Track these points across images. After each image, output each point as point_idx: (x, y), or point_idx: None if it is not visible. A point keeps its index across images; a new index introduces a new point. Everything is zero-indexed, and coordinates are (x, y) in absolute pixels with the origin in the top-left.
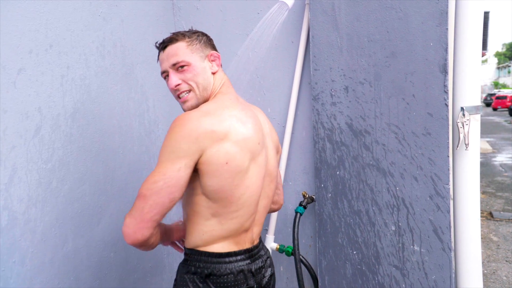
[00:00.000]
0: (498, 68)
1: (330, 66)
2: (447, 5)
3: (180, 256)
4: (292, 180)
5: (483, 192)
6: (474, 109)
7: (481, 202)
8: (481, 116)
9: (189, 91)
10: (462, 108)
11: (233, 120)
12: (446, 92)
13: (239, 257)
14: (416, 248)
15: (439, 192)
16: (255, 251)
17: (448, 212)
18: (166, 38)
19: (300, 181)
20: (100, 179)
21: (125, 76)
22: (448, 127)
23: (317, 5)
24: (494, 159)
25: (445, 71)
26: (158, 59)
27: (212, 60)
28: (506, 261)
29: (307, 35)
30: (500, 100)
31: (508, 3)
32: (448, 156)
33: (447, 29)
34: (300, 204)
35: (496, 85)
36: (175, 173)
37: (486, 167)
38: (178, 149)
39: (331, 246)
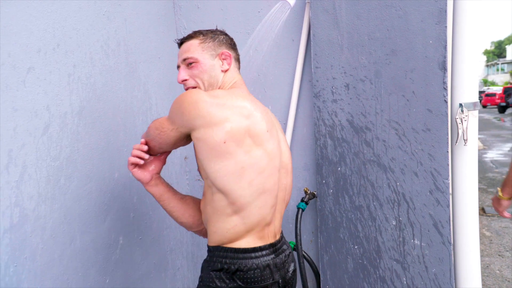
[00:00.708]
0: (487, 66)
1: (331, 64)
2: (446, 3)
3: (183, 253)
4: (294, 177)
5: None
6: (472, 105)
7: None
8: None
9: (195, 87)
10: (460, 105)
11: (237, 108)
12: (445, 89)
13: (264, 252)
14: (416, 242)
15: (438, 187)
16: (278, 246)
17: (448, 206)
18: (184, 37)
19: (301, 177)
20: (105, 177)
21: (128, 75)
22: (448, 123)
23: (318, 3)
24: (485, 155)
25: (444, 68)
26: None
27: (223, 59)
28: (499, 255)
29: (308, 33)
30: (489, 98)
31: (495, 1)
32: (448, 152)
33: (446, 27)
34: (302, 200)
35: (485, 82)
36: (168, 132)
37: (478, 164)
38: (174, 115)
39: (332, 241)
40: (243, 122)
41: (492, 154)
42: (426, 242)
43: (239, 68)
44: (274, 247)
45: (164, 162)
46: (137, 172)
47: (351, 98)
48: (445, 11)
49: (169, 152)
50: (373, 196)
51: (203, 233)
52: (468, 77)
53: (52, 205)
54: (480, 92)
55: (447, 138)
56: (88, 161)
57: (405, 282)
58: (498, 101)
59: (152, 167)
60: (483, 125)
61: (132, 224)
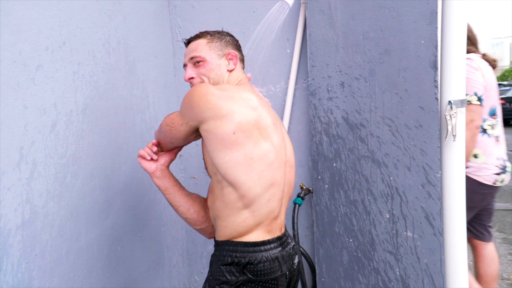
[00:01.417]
0: None
1: (327, 63)
2: (437, 5)
3: (179, 250)
4: None
5: None
6: (460, 103)
7: None
8: None
9: None
10: (449, 102)
11: (244, 101)
12: (436, 87)
13: (272, 245)
14: (409, 234)
15: (430, 180)
16: (284, 239)
17: (439, 199)
18: (192, 36)
19: (297, 173)
20: (108, 174)
21: (128, 73)
22: (439, 120)
23: (314, 4)
24: None
25: (435, 67)
26: None
27: (229, 59)
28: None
29: (303, 33)
30: None
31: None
32: (439, 147)
33: (437, 27)
34: (298, 196)
35: None
36: (179, 126)
37: None
38: (184, 109)
39: (328, 235)
40: (251, 114)
41: None
42: (418, 233)
43: (243, 68)
44: (281, 240)
45: (174, 157)
46: (143, 162)
47: (346, 96)
48: (436, 13)
49: (181, 148)
50: (367, 191)
51: (207, 231)
52: (456, 76)
53: (60, 202)
54: None
55: (438, 134)
56: (91, 158)
57: (398, 273)
58: None
59: (161, 160)
60: None
61: (133, 222)
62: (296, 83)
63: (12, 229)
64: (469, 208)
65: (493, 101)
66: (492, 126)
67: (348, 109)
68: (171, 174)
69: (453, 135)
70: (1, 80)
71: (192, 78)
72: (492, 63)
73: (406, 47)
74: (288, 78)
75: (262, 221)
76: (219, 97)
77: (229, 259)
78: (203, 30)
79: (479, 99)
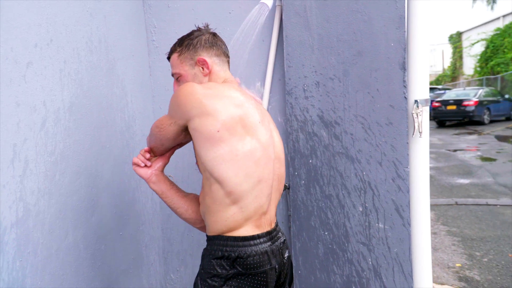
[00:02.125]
0: None
1: (303, 63)
2: (405, 10)
3: (155, 249)
4: None
5: None
6: (425, 102)
7: None
8: None
9: None
10: (416, 101)
11: (228, 99)
12: (405, 87)
13: (262, 240)
14: (380, 225)
15: (400, 174)
16: (274, 233)
17: (408, 192)
18: (170, 49)
19: None
20: (92, 173)
21: (108, 72)
22: (407, 118)
23: (290, 7)
24: None
25: (404, 68)
26: None
27: (201, 65)
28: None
29: (278, 34)
30: None
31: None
32: (407, 143)
33: (405, 31)
34: None
35: None
36: (167, 127)
37: None
38: (172, 109)
39: (304, 229)
40: (235, 111)
41: None
42: (389, 225)
43: (228, 62)
44: (271, 235)
45: (167, 161)
46: (138, 169)
47: (321, 95)
48: (404, 17)
49: (173, 151)
50: (341, 186)
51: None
52: (421, 77)
53: (50, 200)
54: None
55: (407, 131)
56: (77, 156)
57: (370, 263)
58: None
59: (155, 165)
60: None
61: (115, 220)
62: (272, 83)
63: (7, 226)
64: None
65: None
66: None
67: (323, 107)
68: (166, 178)
69: (419, 132)
70: None
71: None
72: None
73: (377, 49)
74: (264, 78)
75: (250, 216)
76: (204, 95)
77: (220, 253)
78: (178, 30)
79: None
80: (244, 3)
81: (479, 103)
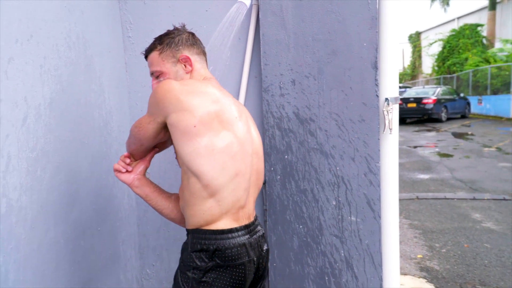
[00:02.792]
0: None
1: (279, 62)
2: (377, 12)
3: (132, 244)
4: None
5: None
6: (395, 100)
7: None
8: None
9: None
10: (386, 99)
11: (205, 95)
12: (377, 85)
13: (240, 233)
14: (353, 218)
15: (371, 169)
16: (252, 227)
17: (379, 186)
18: (146, 48)
19: None
20: (72, 169)
21: (86, 68)
22: (379, 115)
23: (267, 6)
24: None
25: (376, 68)
26: None
27: (184, 62)
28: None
29: (254, 32)
30: None
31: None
32: (379, 139)
33: (377, 32)
34: None
35: None
36: (146, 125)
37: None
38: (150, 107)
39: (280, 222)
40: (212, 107)
41: None
42: (361, 218)
43: (206, 60)
44: (249, 228)
45: (148, 164)
46: (120, 175)
47: (297, 92)
48: (376, 18)
49: (153, 154)
50: (316, 180)
51: None
52: (391, 76)
53: (31, 196)
54: None
55: (379, 127)
56: (58, 152)
57: (342, 254)
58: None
59: (136, 170)
60: None
61: (93, 216)
62: (248, 80)
63: None
64: None
65: None
66: None
67: (298, 105)
68: (149, 181)
69: (390, 129)
70: None
71: None
72: None
73: (351, 48)
74: (241, 75)
75: (228, 210)
76: (181, 92)
77: (198, 246)
78: (154, 27)
79: None
80: (221, 1)
81: (437, 101)
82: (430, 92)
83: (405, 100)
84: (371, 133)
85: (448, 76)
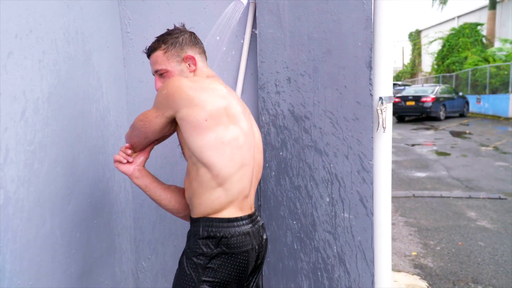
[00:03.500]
0: None
1: (275, 59)
2: (372, 12)
3: (127, 238)
4: None
5: None
6: (388, 99)
7: None
8: None
9: None
10: (380, 98)
11: (213, 91)
12: (371, 84)
13: (244, 222)
14: (345, 215)
15: (365, 167)
16: (254, 217)
17: (372, 183)
18: (149, 47)
19: None
20: (68, 162)
21: (85, 63)
22: (372, 114)
23: (264, 5)
24: None
25: (370, 67)
26: None
27: (188, 62)
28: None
29: (251, 30)
30: None
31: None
32: (372, 138)
33: (371, 32)
34: None
35: None
36: (153, 119)
37: None
38: (159, 101)
39: (274, 218)
40: (220, 102)
41: None
42: (354, 214)
43: (206, 59)
44: (251, 218)
45: (148, 155)
46: (121, 166)
47: (292, 90)
48: (371, 19)
49: (153, 146)
50: (310, 177)
51: (188, 217)
52: (385, 75)
53: (29, 188)
54: None
55: (372, 126)
56: (55, 146)
57: (335, 250)
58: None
59: (136, 161)
60: None
61: (89, 209)
62: (245, 78)
63: None
64: None
65: None
66: None
67: (293, 102)
68: (148, 172)
69: (383, 127)
70: None
71: None
72: None
73: (346, 48)
74: (237, 72)
75: (234, 199)
76: (191, 88)
77: (206, 233)
78: (153, 23)
79: None
80: None
81: (436, 100)
82: (429, 91)
83: (404, 98)
84: (364, 131)
85: (448, 74)
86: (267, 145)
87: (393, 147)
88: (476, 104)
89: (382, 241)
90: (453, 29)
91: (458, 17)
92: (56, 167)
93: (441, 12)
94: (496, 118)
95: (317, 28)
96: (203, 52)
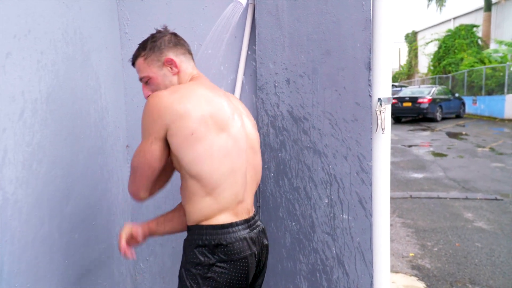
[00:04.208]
0: None
1: (274, 61)
2: (371, 13)
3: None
4: None
5: None
6: (387, 100)
7: None
8: None
9: None
10: (379, 99)
11: (197, 98)
12: (370, 86)
13: (240, 227)
14: (344, 216)
15: (363, 168)
16: (252, 222)
17: (371, 185)
18: (133, 55)
19: None
20: (67, 163)
21: (83, 63)
22: (371, 115)
23: (263, 6)
24: None
25: (369, 68)
26: None
27: (169, 65)
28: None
29: (250, 31)
30: None
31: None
32: (371, 139)
33: (371, 33)
34: None
35: None
36: (149, 147)
37: None
38: (147, 127)
39: (273, 219)
40: (206, 108)
41: None
42: (353, 216)
43: (192, 59)
44: (249, 223)
45: (146, 229)
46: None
47: (291, 91)
48: (370, 20)
49: (158, 188)
50: (309, 178)
51: None
52: (384, 76)
53: (27, 189)
54: None
55: (371, 127)
56: (54, 147)
57: (334, 252)
58: None
59: (138, 238)
60: None
61: (88, 210)
62: (243, 79)
63: None
64: None
65: None
66: None
67: (292, 103)
68: (152, 224)
69: (382, 129)
70: None
71: (149, 95)
72: None
73: (345, 49)
74: (236, 73)
75: (227, 205)
76: (173, 101)
77: (200, 241)
78: (151, 24)
79: None
80: (218, 0)
81: (432, 101)
82: (425, 92)
83: (400, 99)
84: (363, 132)
85: (444, 76)
86: (266, 146)
87: (390, 148)
88: (472, 105)
89: (381, 242)
90: (449, 30)
91: (454, 18)
92: (54, 168)
93: (440, 13)
94: (492, 119)
95: (316, 29)
96: (186, 51)
